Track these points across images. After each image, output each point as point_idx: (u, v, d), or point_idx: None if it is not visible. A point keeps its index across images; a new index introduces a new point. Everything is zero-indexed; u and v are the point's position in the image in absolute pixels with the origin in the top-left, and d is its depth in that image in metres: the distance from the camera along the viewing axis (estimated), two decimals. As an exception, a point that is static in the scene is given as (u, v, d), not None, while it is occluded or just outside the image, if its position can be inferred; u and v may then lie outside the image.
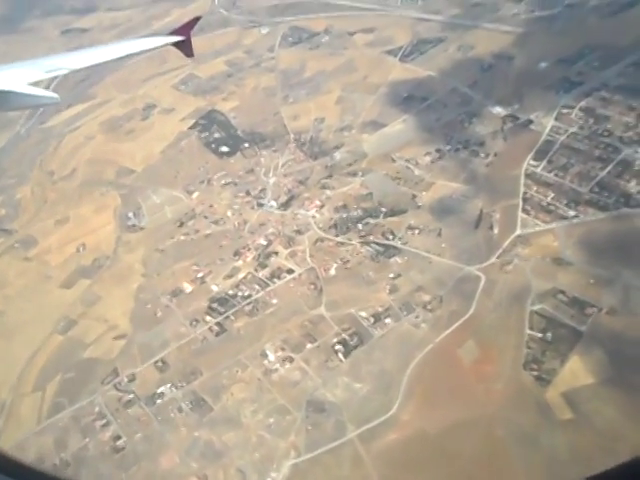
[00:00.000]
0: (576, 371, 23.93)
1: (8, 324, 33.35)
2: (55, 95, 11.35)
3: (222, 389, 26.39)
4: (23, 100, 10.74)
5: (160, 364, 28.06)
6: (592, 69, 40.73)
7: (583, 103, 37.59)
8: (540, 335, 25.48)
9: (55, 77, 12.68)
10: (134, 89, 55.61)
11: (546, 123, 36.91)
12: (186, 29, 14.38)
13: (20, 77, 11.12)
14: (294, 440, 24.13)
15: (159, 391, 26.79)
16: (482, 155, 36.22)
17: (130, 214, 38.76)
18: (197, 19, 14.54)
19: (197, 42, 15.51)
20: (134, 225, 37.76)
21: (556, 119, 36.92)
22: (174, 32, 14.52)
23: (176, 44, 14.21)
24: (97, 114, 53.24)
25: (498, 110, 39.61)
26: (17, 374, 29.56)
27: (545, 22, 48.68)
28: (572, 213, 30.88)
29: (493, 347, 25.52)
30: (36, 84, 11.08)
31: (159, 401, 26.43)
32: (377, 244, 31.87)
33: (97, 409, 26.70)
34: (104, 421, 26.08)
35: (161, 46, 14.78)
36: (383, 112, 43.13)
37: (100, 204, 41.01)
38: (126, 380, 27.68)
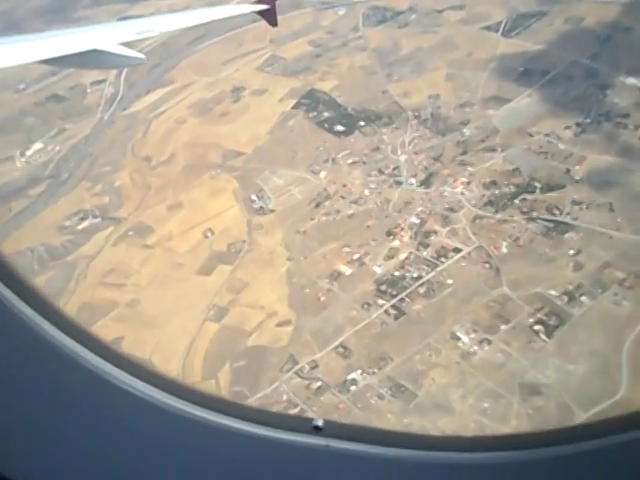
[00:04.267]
0: None
1: (147, 313, 31.67)
2: (142, 56, 12.43)
3: (420, 374, 24.78)
4: (113, 60, 11.18)
5: (341, 350, 26.41)
6: None
7: None
8: None
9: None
10: (215, 72, 53.67)
11: (697, 91, 35.31)
12: None
13: (111, 37, 11.47)
14: (516, 425, 22.55)
15: (350, 378, 25.15)
16: (631, 127, 34.56)
17: (253, 196, 36.99)
18: None
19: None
20: (262, 207, 36.00)
21: None
22: (259, 1, 14.64)
23: (260, 12, 14.41)
24: (181, 98, 51.34)
25: (633, 81, 37.93)
26: (180, 363, 27.90)
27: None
28: None
29: None
30: (125, 45, 11.48)
31: (353, 388, 24.81)
32: (544, 220, 30.25)
33: (285, 397, 25.08)
34: (298, 409, 24.44)
35: (247, 13, 15.31)
36: (502, 87, 41.44)
37: (214, 188, 39.24)
38: (308, 367, 26.03)
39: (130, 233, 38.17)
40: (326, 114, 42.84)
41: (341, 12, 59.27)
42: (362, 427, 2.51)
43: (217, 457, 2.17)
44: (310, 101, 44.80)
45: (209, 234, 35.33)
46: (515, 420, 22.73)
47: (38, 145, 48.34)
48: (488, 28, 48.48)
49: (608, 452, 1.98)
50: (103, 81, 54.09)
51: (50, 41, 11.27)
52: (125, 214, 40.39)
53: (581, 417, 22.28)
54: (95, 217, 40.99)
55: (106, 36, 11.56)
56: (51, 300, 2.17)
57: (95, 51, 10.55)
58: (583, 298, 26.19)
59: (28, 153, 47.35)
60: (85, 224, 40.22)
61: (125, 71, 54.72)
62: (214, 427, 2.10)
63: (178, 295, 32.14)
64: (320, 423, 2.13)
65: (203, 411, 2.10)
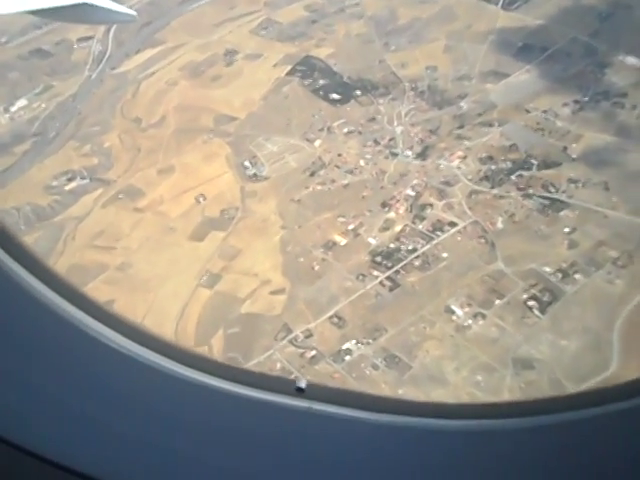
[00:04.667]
0: None
1: (138, 277, 31.31)
2: (134, 12, 12.15)
3: (414, 346, 24.94)
4: (104, 15, 10.86)
5: (335, 320, 26.41)
6: None
7: None
8: None
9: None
10: (207, 34, 52.20)
11: (695, 74, 35.36)
12: None
13: None
14: (509, 398, 22.90)
15: (344, 347, 25.22)
16: (628, 106, 34.54)
17: (246, 163, 36.43)
18: None
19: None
20: (255, 174, 35.49)
21: None
22: None
23: None
24: (172, 59, 49.97)
25: (632, 61, 37.79)
26: (173, 328, 27.68)
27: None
28: None
29: None
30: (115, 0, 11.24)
31: (347, 358, 24.90)
32: (540, 197, 30.32)
33: (279, 365, 25.09)
34: (291, 377, 24.42)
35: None
36: (500, 62, 41.05)
37: (207, 152, 38.56)
38: (302, 336, 26.02)
39: (120, 196, 37.40)
40: (322, 81, 42.08)
41: (338, -23, 58.02)
42: (346, 390, 2.54)
43: (197, 415, 2.15)
44: (305, 68, 43.91)
45: (201, 199, 34.80)
46: (508, 393, 23.05)
47: (22, 102, 46.77)
48: (488, 0, 47.85)
49: (608, 420, 1.94)
50: (90, 38, 52.20)
51: None
52: (114, 176, 39.51)
53: (573, 391, 22.67)
54: (83, 178, 40.04)
55: None
56: (40, 258, 2.14)
57: (85, 4, 10.14)
58: (577, 276, 26.45)
59: (12, 109, 45.86)
60: (73, 185, 39.28)
61: (114, 29, 52.88)
62: (195, 385, 2.08)
63: (170, 260, 31.76)
64: (303, 385, 2.10)
65: (183, 368, 2.09)
